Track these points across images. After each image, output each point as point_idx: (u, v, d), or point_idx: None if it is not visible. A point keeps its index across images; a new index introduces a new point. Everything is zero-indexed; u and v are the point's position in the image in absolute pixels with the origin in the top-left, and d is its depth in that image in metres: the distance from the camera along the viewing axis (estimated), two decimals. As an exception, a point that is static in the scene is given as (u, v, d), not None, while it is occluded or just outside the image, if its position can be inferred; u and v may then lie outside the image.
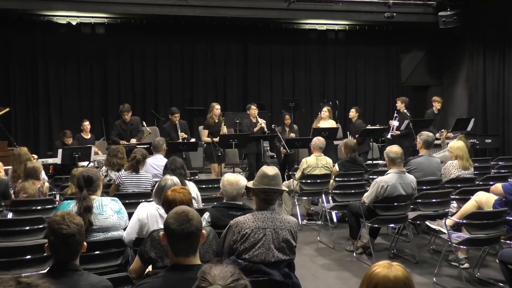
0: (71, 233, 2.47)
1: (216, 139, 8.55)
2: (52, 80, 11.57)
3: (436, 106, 10.21)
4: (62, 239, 2.47)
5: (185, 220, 2.46)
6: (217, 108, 9.06)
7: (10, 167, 6.52)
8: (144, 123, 9.91)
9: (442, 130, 10.01)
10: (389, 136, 9.76)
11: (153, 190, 4.11)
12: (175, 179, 4.12)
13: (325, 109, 9.66)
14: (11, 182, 6.04)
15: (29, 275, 1.53)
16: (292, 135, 9.17)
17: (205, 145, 9.66)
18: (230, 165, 9.22)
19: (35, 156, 7.20)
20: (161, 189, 3.95)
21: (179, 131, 8.95)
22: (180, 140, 8.87)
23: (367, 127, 9.70)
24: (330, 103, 11.97)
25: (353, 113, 9.88)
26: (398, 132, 9.63)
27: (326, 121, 9.57)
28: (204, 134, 9.00)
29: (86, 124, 9.45)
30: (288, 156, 8.96)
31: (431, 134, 6.72)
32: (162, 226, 3.58)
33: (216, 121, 9.05)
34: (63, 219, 2.50)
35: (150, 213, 3.90)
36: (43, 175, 6.58)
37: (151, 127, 10.19)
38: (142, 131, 9.42)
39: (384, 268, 2.02)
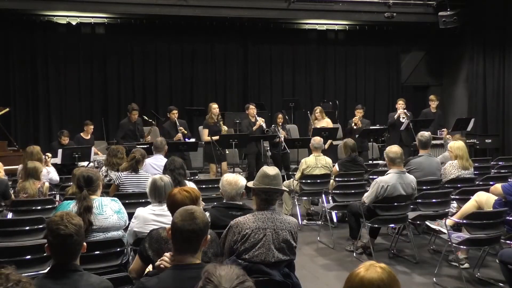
0: (69, 234, 2.47)
1: (216, 137, 8.58)
2: (52, 80, 11.58)
3: (432, 105, 10.22)
4: (60, 240, 2.47)
5: (189, 218, 2.49)
6: (214, 107, 9.07)
7: (17, 166, 6.62)
8: (145, 117, 9.97)
9: (443, 129, 10.01)
10: (403, 127, 9.67)
11: (148, 190, 4.11)
12: (164, 178, 4.14)
13: (317, 110, 9.69)
14: (19, 179, 6.04)
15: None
16: (282, 134, 9.09)
17: (205, 145, 9.66)
18: (230, 165, 9.23)
19: (49, 155, 7.24)
20: (157, 189, 3.99)
21: (178, 126, 9.00)
22: (180, 135, 8.90)
23: (367, 127, 9.70)
24: (330, 103, 11.98)
25: (360, 113, 9.85)
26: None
27: (321, 121, 9.59)
28: (205, 133, 9.00)
29: (91, 127, 9.44)
30: (284, 155, 8.96)
31: (426, 133, 6.73)
32: (158, 226, 3.61)
33: (215, 120, 9.05)
34: (62, 219, 2.50)
35: (145, 219, 3.89)
36: (50, 175, 6.63)
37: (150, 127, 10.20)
38: (143, 129, 9.56)
39: (363, 269, 1.99)
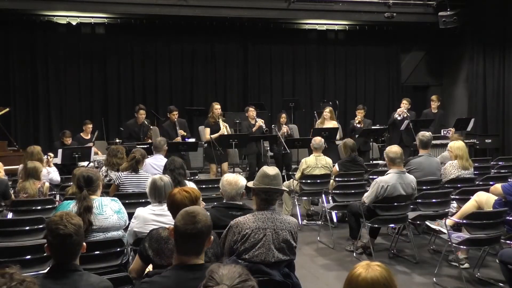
0: (68, 233, 2.47)
1: (215, 135, 8.58)
2: (52, 80, 11.57)
3: (432, 105, 10.23)
4: (59, 240, 2.47)
5: (191, 221, 2.48)
6: (216, 108, 9.04)
7: (17, 166, 6.62)
8: (146, 121, 9.95)
9: (450, 129, 9.98)
10: (403, 127, 9.69)
11: (148, 190, 4.11)
12: (164, 178, 4.14)
13: (327, 110, 9.66)
14: (19, 179, 6.04)
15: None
16: (284, 128, 9.09)
17: (205, 145, 9.67)
18: (230, 165, 9.23)
19: (51, 155, 7.25)
20: (157, 189, 3.98)
21: (178, 129, 8.98)
22: (179, 137, 8.89)
23: (368, 127, 9.70)
24: (330, 103, 11.96)
25: (362, 113, 9.83)
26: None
27: (328, 122, 9.58)
28: (207, 132, 8.98)
29: (90, 126, 9.46)
30: (285, 155, 8.97)
31: (427, 133, 6.73)
32: (158, 226, 3.61)
33: (216, 120, 9.04)
34: (61, 219, 2.50)
35: (145, 219, 3.89)
36: (51, 175, 6.64)
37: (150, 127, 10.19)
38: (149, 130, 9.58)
39: (363, 269, 2.01)
